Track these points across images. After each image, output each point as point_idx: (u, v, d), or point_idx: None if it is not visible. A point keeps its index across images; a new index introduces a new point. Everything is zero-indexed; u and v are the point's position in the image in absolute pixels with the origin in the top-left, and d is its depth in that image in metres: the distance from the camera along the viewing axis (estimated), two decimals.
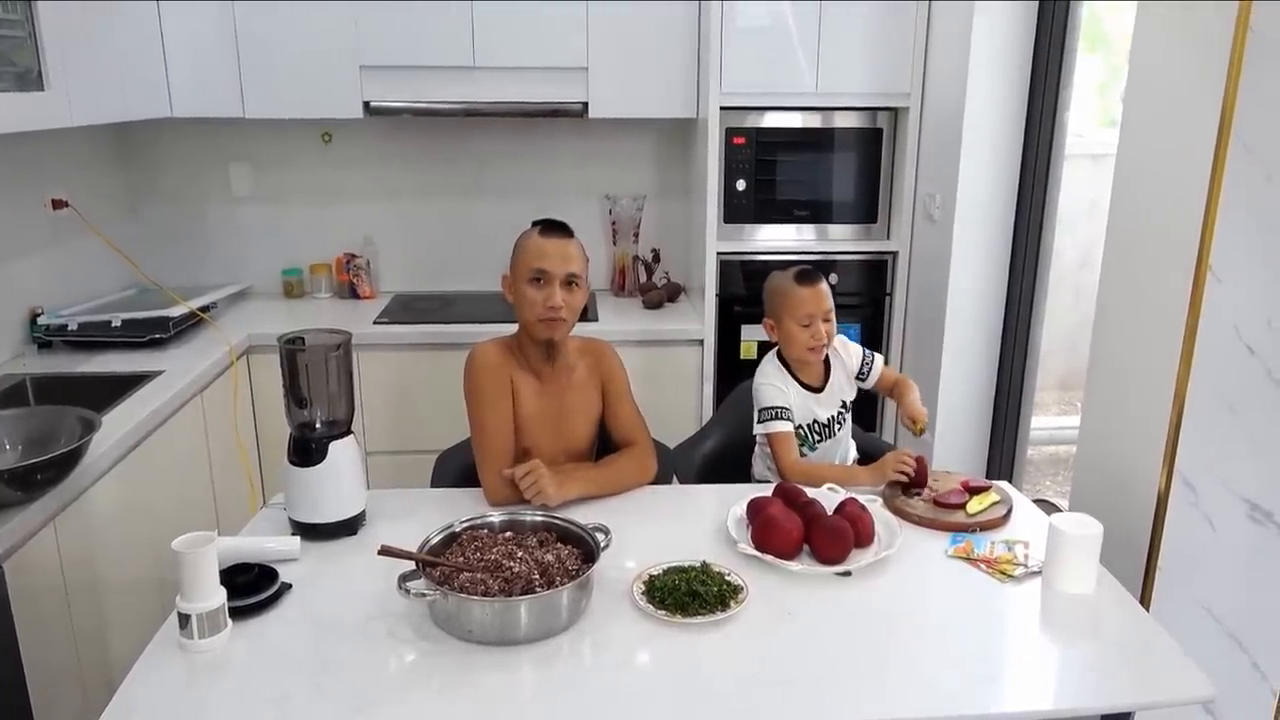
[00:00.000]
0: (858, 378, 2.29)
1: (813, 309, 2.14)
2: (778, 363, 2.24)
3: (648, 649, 1.49)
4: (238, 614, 1.52)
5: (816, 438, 2.23)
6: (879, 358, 2.31)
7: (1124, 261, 2.03)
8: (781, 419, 2.15)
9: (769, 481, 2.25)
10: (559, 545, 1.65)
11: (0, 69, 2.19)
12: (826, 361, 2.26)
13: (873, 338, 3.31)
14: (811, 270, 2.19)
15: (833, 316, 2.17)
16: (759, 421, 2.19)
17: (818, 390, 2.23)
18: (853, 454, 2.34)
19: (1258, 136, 1.70)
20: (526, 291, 1.98)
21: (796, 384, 2.21)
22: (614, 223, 3.53)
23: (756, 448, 2.33)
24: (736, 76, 3.02)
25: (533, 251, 1.99)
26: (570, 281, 1.99)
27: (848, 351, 2.30)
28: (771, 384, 2.20)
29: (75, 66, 2.43)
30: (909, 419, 2.15)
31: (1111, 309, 2.07)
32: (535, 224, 2.05)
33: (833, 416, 2.24)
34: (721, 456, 2.40)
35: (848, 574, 1.70)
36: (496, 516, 1.74)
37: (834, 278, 3.15)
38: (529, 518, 1.74)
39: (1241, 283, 1.76)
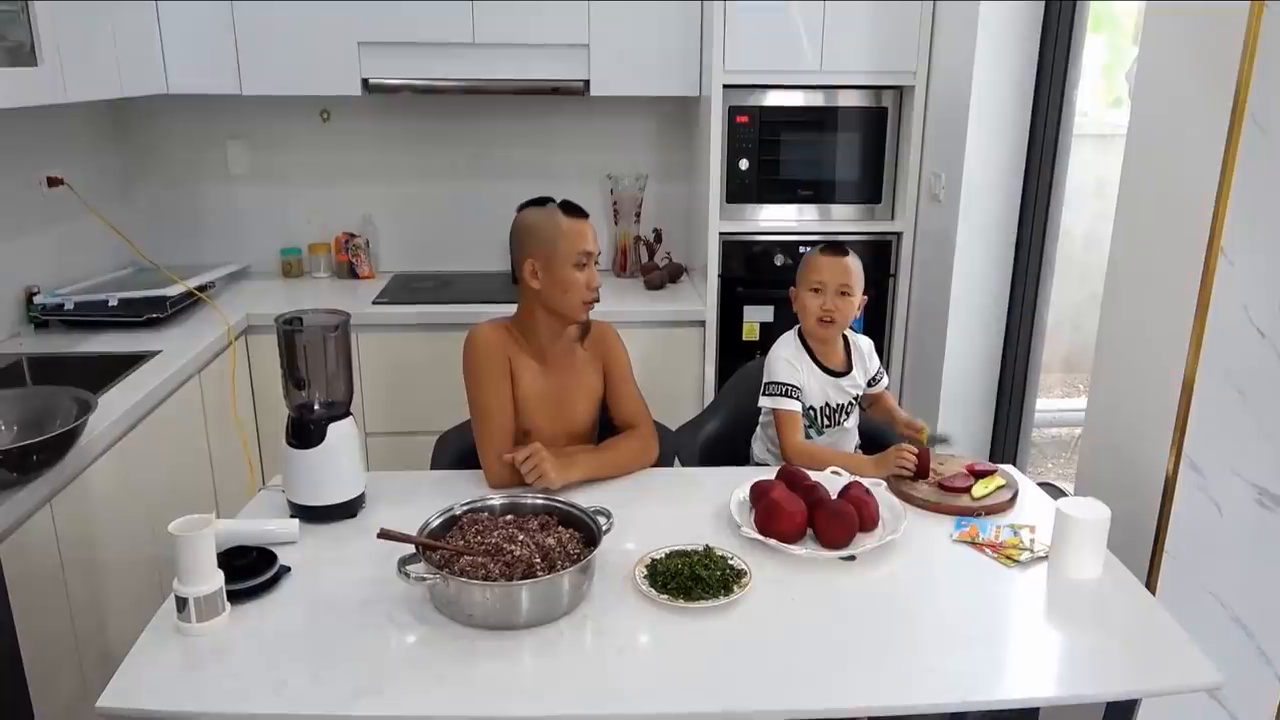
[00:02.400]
0: (868, 383, 2.28)
1: (824, 276, 2.14)
2: (797, 341, 2.22)
3: (650, 633, 1.48)
4: (236, 597, 1.51)
5: (826, 422, 2.21)
6: (887, 377, 2.34)
7: (1133, 242, 2.00)
8: (791, 397, 2.14)
9: (768, 464, 2.24)
10: (560, 529, 1.64)
11: None
12: (848, 351, 2.25)
13: (876, 319, 3.29)
14: (839, 245, 2.20)
15: (851, 293, 2.15)
16: (765, 394, 2.17)
17: (836, 375, 2.21)
18: (855, 439, 2.32)
19: (1272, 115, 1.67)
20: (573, 275, 1.96)
21: (814, 364, 2.19)
22: (615, 203, 3.50)
23: (758, 428, 2.31)
24: (740, 54, 2.98)
25: (574, 235, 1.97)
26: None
27: (870, 357, 2.30)
28: (786, 360, 2.18)
29: (69, 42, 2.39)
30: (910, 429, 2.13)
31: (1120, 290, 2.05)
32: (536, 203, 2.02)
33: (844, 404, 2.22)
34: (724, 439, 2.38)
35: (852, 558, 1.68)
36: (497, 499, 1.72)
37: None
38: (530, 501, 1.73)
39: (1253, 264, 1.74)
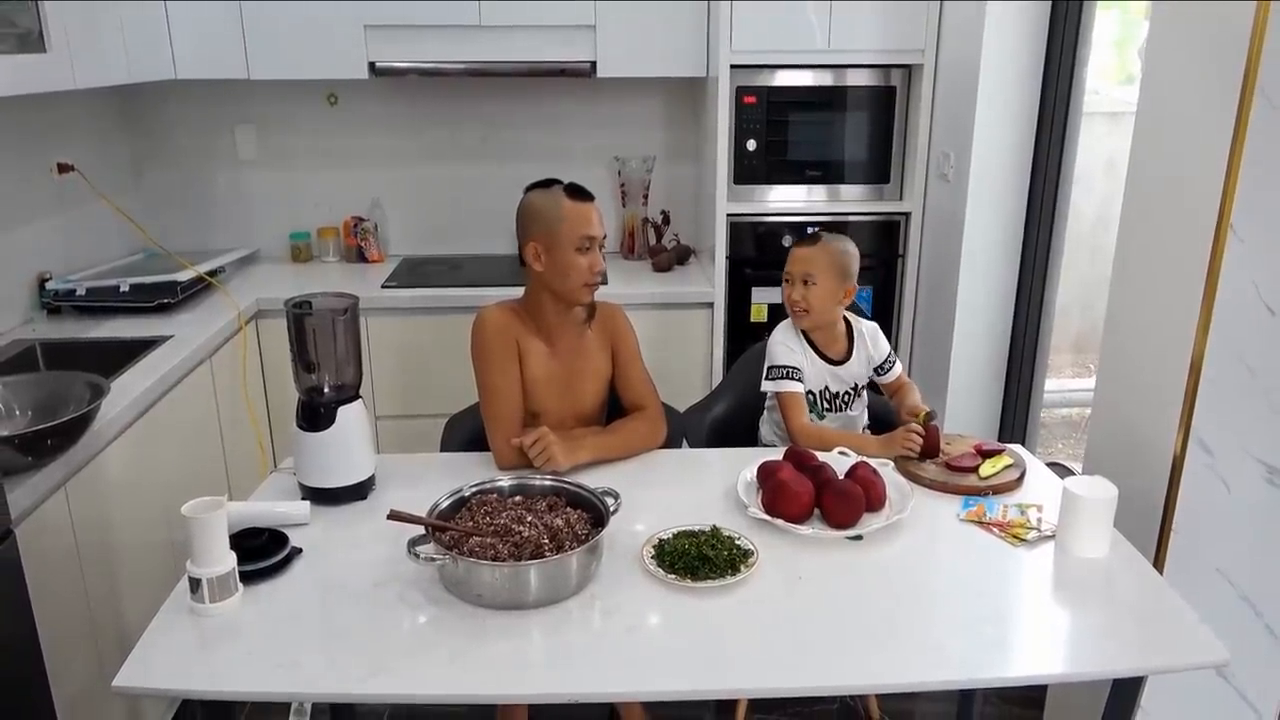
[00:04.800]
0: (877, 370, 2.27)
1: (791, 268, 2.17)
2: (795, 327, 2.22)
3: (657, 613, 1.49)
4: (248, 578, 1.52)
5: (826, 407, 2.21)
6: (899, 361, 2.32)
7: (1143, 220, 1.99)
8: (792, 379, 2.14)
9: (776, 446, 2.24)
10: (568, 510, 1.65)
11: (1, 31, 2.16)
12: (850, 339, 2.24)
13: (885, 300, 3.28)
14: (814, 234, 2.21)
15: (815, 281, 2.13)
16: (768, 379, 2.18)
17: (834, 363, 2.21)
18: (864, 422, 2.32)
19: None
20: (575, 259, 1.96)
21: (811, 351, 2.19)
22: (623, 185, 3.50)
23: (765, 411, 2.32)
24: (747, 34, 2.96)
25: (578, 218, 1.96)
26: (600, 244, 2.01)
27: (875, 341, 2.28)
28: (784, 344, 2.19)
29: (77, 28, 2.40)
30: (909, 415, 2.12)
31: (1129, 269, 2.04)
32: (542, 185, 2.02)
33: (845, 392, 2.22)
34: (732, 420, 2.38)
35: (859, 538, 1.69)
36: (505, 481, 1.73)
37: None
38: (538, 482, 1.74)
39: (1263, 242, 1.73)
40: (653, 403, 2.13)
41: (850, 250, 2.19)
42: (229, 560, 1.47)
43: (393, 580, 1.55)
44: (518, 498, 1.69)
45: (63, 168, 2.85)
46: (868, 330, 2.28)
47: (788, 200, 3.22)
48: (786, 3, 2.96)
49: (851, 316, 2.27)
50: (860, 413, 2.28)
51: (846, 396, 2.23)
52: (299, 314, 1.79)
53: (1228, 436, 1.84)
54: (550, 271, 1.98)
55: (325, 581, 1.57)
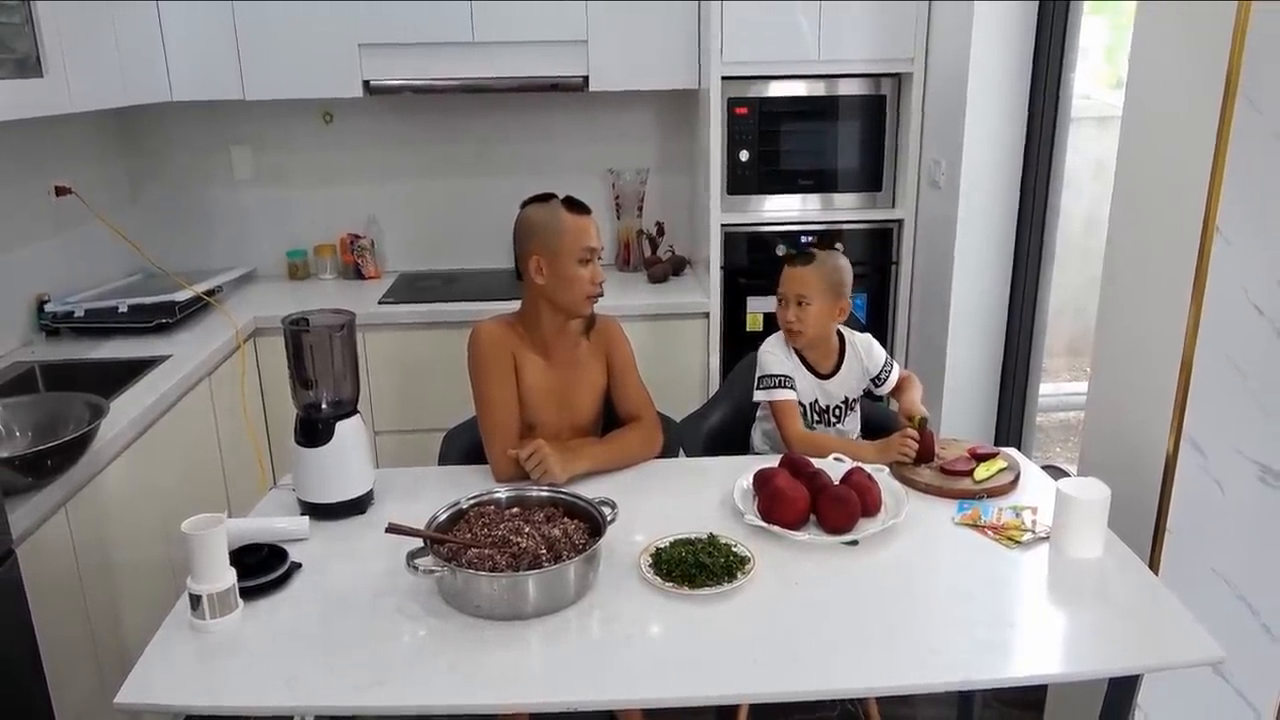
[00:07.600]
0: (874, 381, 2.27)
1: (784, 289, 2.17)
2: (784, 341, 2.23)
3: (656, 621, 1.50)
4: (248, 594, 1.53)
5: (816, 420, 2.22)
6: (898, 367, 2.31)
7: (1131, 224, 2.01)
8: (784, 387, 2.15)
9: (767, 454, 2.25)
10: (566, 520, 1.66)
11: None
12: (842, 352, 2.25)
13: (879, 307, 3.30)
14: (807, 253, 2.20)
15: (809, 301, 2.13)
16: (759, 388, 2.19)
17: (823, 377, 2.22)
18: (855, 436, 2.32)
19: (1265, 94, 1.67)
20: (577, 271, 1.98)
21: (801, 365, 2.21)
22: (617, 197, 3.52)
23: (756, 421, 2.32)
24: (737, 46, 2.99)
25: (578, 232, 1.98)
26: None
27: (869, 353, 2.28)
28: (773, 354, 2.20)
29: (73, 52, 2.42)
30: (905, 416, 2.13)
31: (1119, 272, 2.05)
32: (539, 200, 2.03)
33: (835, 407, 2.23)
34: (728, 429, 2.39)
35: (855, 543, 1.70)
36: (503, 492, 1.74)
37: (839, 247, 3.12)
38: (535, 493, 1.75)
39: (1249, 243, 1.74)
40: (649, 413, 2.14)
41: (843, 266, 2.19)
42: (229, 576, 1.48)
43: (392, 593, 1.56)
44: (515, 509, 1.70)
45: (60, 190, 2.86)
46: (861, 342, 2.28)
47: (781, 210, 3.24)
48: (776, 14, 2.99)
49: (845, 330, 2.28)
50: (853, 428, 2.28)
51: (837, 411, 2.24)
52: (296, 331, 1.80)
53: (1220, 437, 1.85)
54: (553, 284, 2.00)
55: (325, 595, 1.58)
